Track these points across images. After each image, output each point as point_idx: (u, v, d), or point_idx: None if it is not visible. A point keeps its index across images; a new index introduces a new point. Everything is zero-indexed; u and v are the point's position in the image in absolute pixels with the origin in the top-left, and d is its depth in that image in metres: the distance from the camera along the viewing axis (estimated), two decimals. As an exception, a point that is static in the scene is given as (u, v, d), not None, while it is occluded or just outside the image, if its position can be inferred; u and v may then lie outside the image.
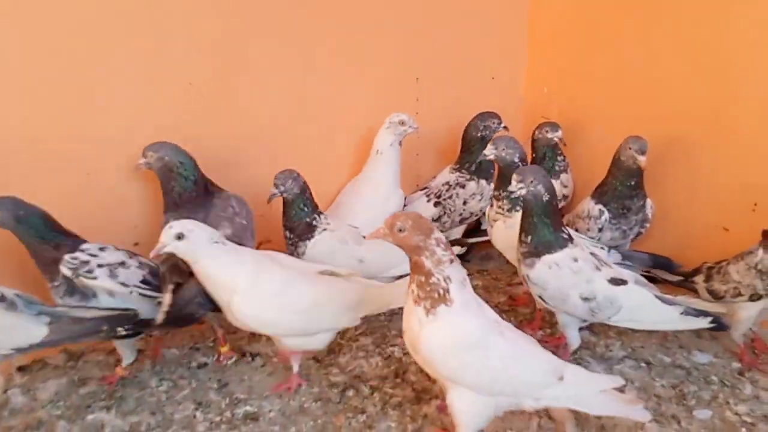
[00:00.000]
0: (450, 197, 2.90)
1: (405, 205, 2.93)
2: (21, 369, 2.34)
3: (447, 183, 2.93)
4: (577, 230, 2.61)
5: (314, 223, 2.43)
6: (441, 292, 1.67)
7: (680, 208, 2.66)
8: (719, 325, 2.16)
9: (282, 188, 2.35)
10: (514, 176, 2.09)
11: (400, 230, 1.67)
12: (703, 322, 2.13)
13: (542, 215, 2.07)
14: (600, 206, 2.53)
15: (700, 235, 2.60)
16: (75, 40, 2.27)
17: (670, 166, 2.63)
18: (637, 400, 1.90)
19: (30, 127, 2.26)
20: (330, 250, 2.41)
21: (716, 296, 2.26)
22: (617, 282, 2.11)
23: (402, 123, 2.73)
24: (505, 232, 2.38)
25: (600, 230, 2.54)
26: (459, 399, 1.78)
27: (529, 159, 2.99)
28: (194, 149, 2.35)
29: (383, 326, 2.60)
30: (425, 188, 3.01)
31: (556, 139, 2.86)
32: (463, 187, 2.91)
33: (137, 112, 2.42)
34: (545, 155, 2.92)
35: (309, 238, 2.42)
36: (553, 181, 2.83)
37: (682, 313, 2.12)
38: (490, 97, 3.24)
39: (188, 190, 2.28)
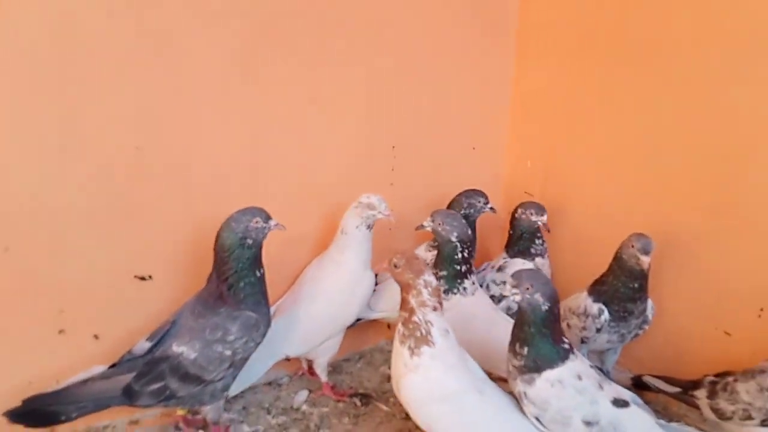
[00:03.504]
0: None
1: (376, 283, 2.64)
2: None
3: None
4: (568, 326, 2.37)
5: None
6: (423, 332, 1.77)
7: (678, 308, 2.43)
8: None
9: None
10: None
11: (395, 266, 1.84)
12: None
13: (541, 326, 1.81)
14: (599, 305, 2.28)
15: (698, 338, 2.38)
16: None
17: (667, 262, 2.41)
18: None
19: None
20: None
21: (722, 416, 2.04)
22: (621, 404, 1.85)
23: (370, 207, 2.39)
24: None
25: (598, 331, 2.29)
26: None
27: (505, 237, 2.79)
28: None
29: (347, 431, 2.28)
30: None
31: (539, 223, 2.63)
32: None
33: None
34: (522, 236, 2.69)
35: None
36: (527, 262, 2.67)
37: None
38: (470, 169, 3.01)
39: None
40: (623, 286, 2.24)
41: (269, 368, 2.39)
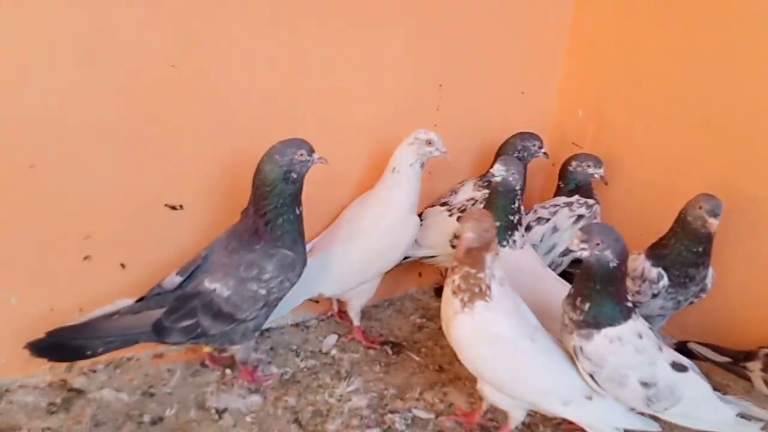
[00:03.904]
0: None
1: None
2: None
3: (473, 199, 2.51)
4: (638, 293, 2.23)
5: None
6: (483, 287, 1.72)
7: (735, 277, 2.29)
8: None
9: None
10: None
11: (486, 230, 1.70)
12: (755, 429, 1.79)
13: (607, 284, 1.70)
14: (659, 269, 2.13)
15: (754, 311, 2.24)
16: None
17: (730, 225, 2.25)
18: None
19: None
20: None
21: None
22: (679, 368, 1.77)
23: (429, 143, 2.24)
24: None
25: (654, 296, 2.15)
26: (487, 389, 1.85)
27: (554, 189, 2.64)
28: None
29: (379, 381, 2.18)
30: (444, 203, 2.58)
31: (596, 176, 2.47)
32: None
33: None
34: (576, 189, 2.54)
35: None
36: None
37: (738, 415, 1.80)
38: (517, 114, 2.82)
39: None
40: (686, 250, 2.09)
41: (299, 305, 2.28)
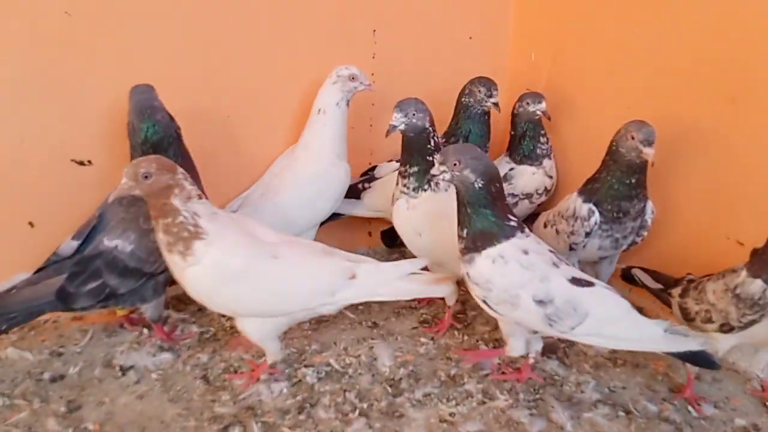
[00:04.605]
0: None
1: (373, 179, 2.46)
2: None
3: None
4: (557, 232, 2.10)
5: None
6: (191, 229, 1.61)
7: (685, 214, 2.10)
8: (707, 359, 1.70)
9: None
10: (437, 157, 1.66)
11: (146, 176, 1.56)
12: (693, 344, 1.65)
13: (476, 205, 1.63)
14: (590, 205, 1.98)
15: (706, 249, 2.05)
16: None
17: (676, 160, 2.07)
18: (445, 278, 1.86)
19: None
20: None
21: (687, 316, 1.79)
22: (581, 283, 1.66)
23: (352, 78, 2.16)
24: (406, 214, 1.95)
25: (587, 235, 1.99)
26: (246, 325, 1.77)
27: (507, 137, 2.49)
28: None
29: (305, 338, 2.08)
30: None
31: (539, 112, 2.32)
32: None
33: None
34: (525, 134, 2.38)
35: None
36: (535, 169, 2.38)
37: (666, 331, 1.66)
38: (465, 61, 2.66)
39: None
40: (618, 182, 1.93)
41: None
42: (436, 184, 1.98)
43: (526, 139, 2.39)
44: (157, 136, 1.83)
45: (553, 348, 1.99)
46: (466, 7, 2.62)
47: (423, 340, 2.07)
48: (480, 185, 1.59)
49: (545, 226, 2.20)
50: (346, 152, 2.26)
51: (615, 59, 2.33)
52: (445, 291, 1.89)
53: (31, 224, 2.04)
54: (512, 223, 1.66)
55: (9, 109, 1.93)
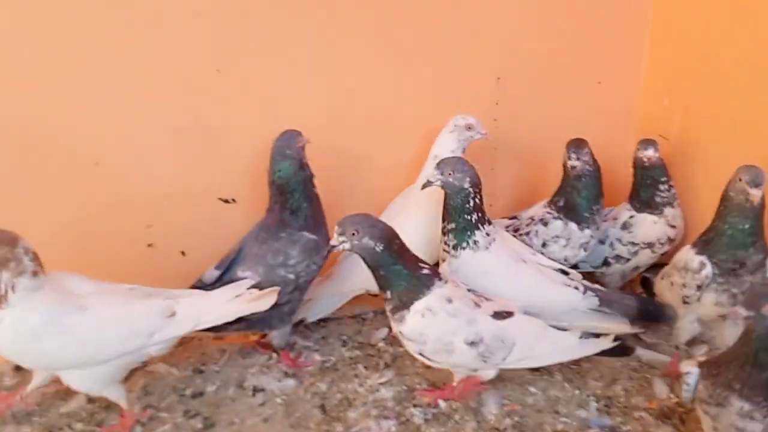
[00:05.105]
0: (527, 233, 2.34)
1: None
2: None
3: (531, 217, 2.39)
4: (671, 284, 2.07)
5: None
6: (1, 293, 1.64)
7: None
8: (623, 348, 1.96)
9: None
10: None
11: None
12: (606, 342, 1.92)
13: (386, 266, 1.77)
14: (702, 257, 1.93)
15: None
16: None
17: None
18: (269, 292, 1.92)
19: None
20: None
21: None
22: (502, 315, 1.83)
23: (469, 127, 2.26)
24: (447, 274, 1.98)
25: (699, 288, 1.94)
26: (70, 379, 1.80)
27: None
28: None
29: (417, 375, 2.18)
30: (514, 217, 2.47)
31: (645, 159, 2.29)
32: (546, 224, 2.32)
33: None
34: (643, 181, 2.35)
35: None
36: (656, 218, 2.32)
37: (581, 338, 1.90)
38: (593, 107, 2.65)
39: None
40: (731, 229, 1.87)
41: (347, 301, 2.38)
42: (475, 242, 2.01)
43: (644, 185, 2.35)
44: (281, 180, 2.03)
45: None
46: (595, 51, 2.59)
47: (532, 389, 2.10)
48: (381, 248, 1.73)
49: (662, 277, 2.16)
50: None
51: (753, 108, 2.22)
52: (269, 303, 1.92)
53: (183, 253, 2.32)
54: (426, 272, 1.80)
55: (169, 152, 2.21)
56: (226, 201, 2.31)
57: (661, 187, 2.32)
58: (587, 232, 2.28)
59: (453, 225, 2.01)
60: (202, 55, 2.14)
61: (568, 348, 1.90)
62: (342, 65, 2.31)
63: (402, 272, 1.77)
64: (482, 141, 2.36)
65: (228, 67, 2.16)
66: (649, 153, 2.27)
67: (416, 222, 2.28)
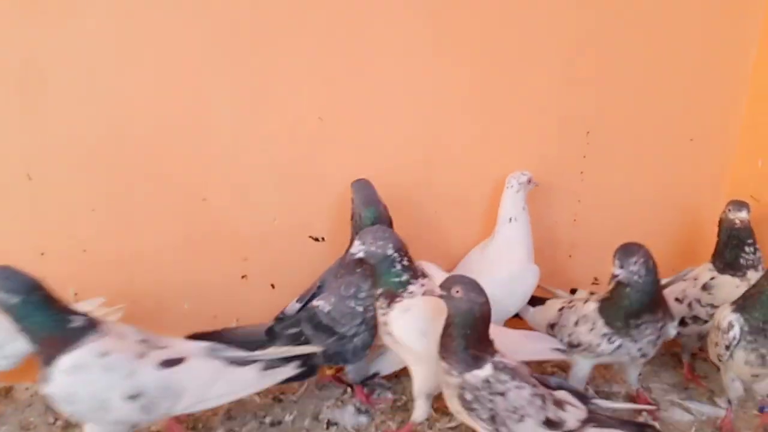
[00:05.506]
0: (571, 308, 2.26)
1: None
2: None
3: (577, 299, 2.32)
4: (712, 343, 2.06)
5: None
6: None
7: None
8: (310, 369, 2.03)
9: None
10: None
11: None
12: (289, 370, 1.95)
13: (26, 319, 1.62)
14: (733, 316, 1.89)
15: None
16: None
17: None
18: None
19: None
20: None
21: None
22: (172, 363, 1.74)
23: (530, 181, 2.38)
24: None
25: (727, 348, 1.90)
26: None
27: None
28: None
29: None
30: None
31: (737, 221, 2.23)
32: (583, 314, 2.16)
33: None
34: (728, 242, 2.28)
35: None
36: (738, 281, 2.25)
37: (264, 369, 1.89)
38: (684, 163, 2.63)
39: None
40: None
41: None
42: (410, 293, 1.94)
43: (729, 247, 2.28)
44: (367, 222, 2.15)
45: None
46: (689, 108, 2.58)
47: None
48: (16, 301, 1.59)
49: (708, 335, 2.14)
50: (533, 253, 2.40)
51: None
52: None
53: (272, 286, 2.47)
54: (76, 324, 1.64)
55: (268, 193, 2.38)
56: (316, 239, 2.45)
57: (747, 249, 2.25)
58: (616, 342, 2.03)
59: (381, 290, 1.96)
60: (308, 104, 2.32)
61: (249, 382, 1.88)
62: (432, 116, 2.42)
63: (49, 315, 1.63)
64: (567, 193, 2.40)
65: (329, 115, 2.33)
66: (742, 215, 2.22)
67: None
